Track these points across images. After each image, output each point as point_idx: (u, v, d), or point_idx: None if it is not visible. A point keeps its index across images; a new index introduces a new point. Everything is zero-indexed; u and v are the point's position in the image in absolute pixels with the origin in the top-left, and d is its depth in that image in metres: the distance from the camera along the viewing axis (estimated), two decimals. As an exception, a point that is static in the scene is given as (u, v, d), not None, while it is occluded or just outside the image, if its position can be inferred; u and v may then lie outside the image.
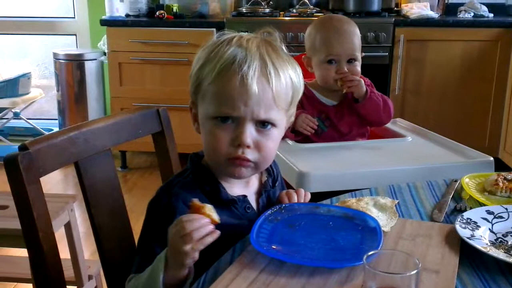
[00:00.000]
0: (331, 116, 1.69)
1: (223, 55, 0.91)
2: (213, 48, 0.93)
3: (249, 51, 0.90)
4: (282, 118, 0.95)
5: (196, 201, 0.84)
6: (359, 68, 1.66)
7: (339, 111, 1.70)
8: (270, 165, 1.05)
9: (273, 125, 0.93)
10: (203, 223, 0.81)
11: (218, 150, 0.92)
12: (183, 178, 0.98)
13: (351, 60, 1.64)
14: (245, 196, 0.99)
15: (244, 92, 0.89)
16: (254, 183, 1.03)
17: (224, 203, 0.96)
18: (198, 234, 0.80)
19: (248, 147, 0.91)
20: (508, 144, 3.24)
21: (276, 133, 0.95)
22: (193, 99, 0.98)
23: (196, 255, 0.81)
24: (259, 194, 1.03)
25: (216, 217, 0.84)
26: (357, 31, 1.66)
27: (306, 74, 1.74)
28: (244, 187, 1.01)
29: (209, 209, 0.84)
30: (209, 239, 0.81)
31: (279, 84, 0.91)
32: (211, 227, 0.82)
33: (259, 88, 0.89)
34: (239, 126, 0.91)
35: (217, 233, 0.82)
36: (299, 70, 0.98)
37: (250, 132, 0.91)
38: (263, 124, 0.92)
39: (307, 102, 1.69)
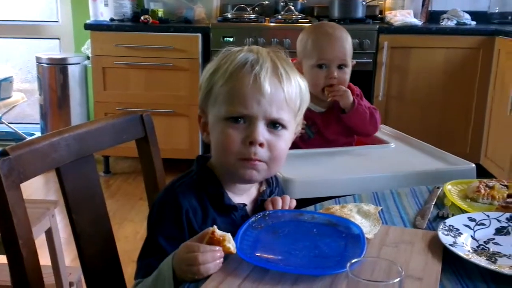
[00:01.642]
0: (317, 123, 1.69)
1: (234, 59, 0.94)
2: (224, 56, 0.97)
3: (260, 55, 0.94)
4: (292, 121, 0.97)
5: (217, 231, 0.84)
6: (347, 76, 1.67)
7: (326, 118, 1.70)
8: (271, 177, 1.06)
9: (283, 126, 0.95)
10: (215, 257, 0.82)
11: (229, 149, 0.93)
12: (188, 178, 1.00)
13: (341, 66, 1.65)
14: (245, 205, 1.01)
15: (257, 90, 0.91)
16: (253, 192, 1.05)
17: (225, 209, 0.98)
18: (205, 269, 0.82)
19: (261, 145, 0.92)
20: (489, 150, 3.28)
21: (287, 135, 0.96)
22: (203, 107, 0.99)
23: (201, 277, 0.83)
24: (255, 202, 1.04)
25: (233, 249, 0.84)
26: (349, 38, 1.68)
27: None
28: (242, 196, 1.02)
29: (228, 240, 0.84)
30: (212, 272, 0.82)
31: (290, 86, 0.94)
32: (219, 262, 0.83)
33: (272, 87, 0.92)
34: (251, 124, 0.92)
35: (220, 266, 0.83)
36: (305, 83, 1.00)
37: (261, 131, 0.92)
38: (274, 125, 0.94)
39: None
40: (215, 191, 0.97)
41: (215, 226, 0.85)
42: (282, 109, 0.93)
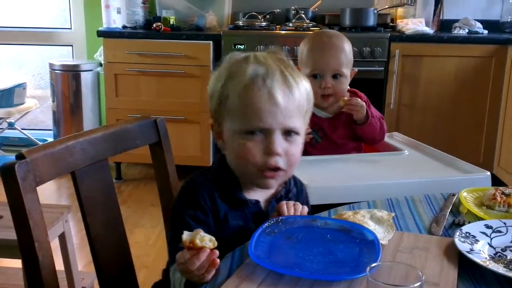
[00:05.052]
0: (324, 128, 1.70)
1: (245, 71, 0.96)
2: (232, 66, 0.99)
3: (269, 66, 0.97)
4: (303, 126, 1.02)
5: (183, 239, 0.82)
6: (344, 86, 1.65)
7: (332, 124, 1.71)
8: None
9: (296, 133, 0.99)
10: (200, 258, 0.82)
11: (250, 161, 0.97)
12: (207, 173, 1.05)
13: (336, 76, 1.63)
14: (257, 201, 1.04)
15: (271, 104, 0.94)
16: (270, 190, 1.07)
17: (237, 202, 1.02)
18: (201, 271, 0.82)
19: (279, 155, 0.96)
20: (502, 160, 3.25)
21: (300, 140, 1.01)
22: (216, 117, 1.02)
23: (209, 277, 0.83)
24: (269, 201, 1.06)
25: (209, 243, 0.83)
26: (347, 46, 1.65)
27: None
28: (259, 193, 1.05)
29: (200, 239, 0.82)
30: (213, 269, 0.83)
31: (299, 94, 0.98)
32: (211, 258, 0.82)
33: (284, 98, 0.95)
34: (269, 136, 0.96)
35: (217, 262, 0.83)
36: (308, 81, 1.04)
37: (279, 141, 0.97)
38: (289, 133, 0.98)
39: None
40: (229, 185, 1.02)
41: (182, 235, 0.83)
42: (295, 117, 0.97)
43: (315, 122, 1.70)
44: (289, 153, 0.98)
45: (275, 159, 0.96)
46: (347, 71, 1.64)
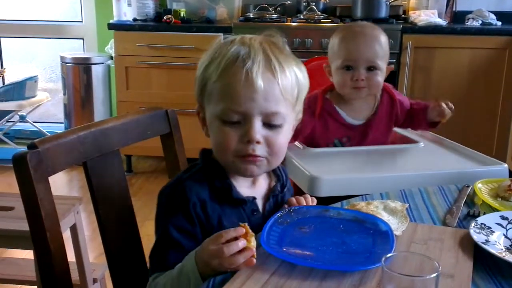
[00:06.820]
0: (353, 138, 1.58)
1: (226, 53, 0.90)
2: (216, 49, 0.93)
3: (252, 47, 0.90)
4: (290, 114, 0.94)
5: (246, 226, 0.83)
6: (380, 78, 1.53)
7: (364, 132, 1.58)
8: (279, 169, 1.03)
9: (281, 120, 0.92)
10: (240, 246, 0.81)
11: (227, 148, 0.91)
12: (194, 171, 0.97)
13: (371, 68, 1.52)
14: (254, 198, 0.98)
15: (249, 87, 0.88)
16: (262, 186, 1.01)
17: (234, 202, 0.95)
18: (234, 260, 0.81)
19: (258, 142, 0.90)
20: (515, 152, 3.22)
21: (286, 128, 0.93)
22: (200, 102, 0.97)
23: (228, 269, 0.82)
24: (266, 198, 1.00)
25: (253, 245, 0.82)
26: (382, 37, 1.54)
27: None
28: (251, 189, 0.99)
29: (253, 238, 0.83)
30: (242, 266, 0.81)
31: (284, 78, 0.90)
32: (248, 254, 0.81)
33: (265, 82, 0.88)
34: (247, 122, 0.89)
35: (253, 262, 0.82)
36: (303, 68, 0.96)
37: (258, 128, 0.90)
38: (271, 120, 0.91)
39: (331, 121, 1.57)
40: (222, 184, 0.95)
41: (245, 224, 0.84)
42: (278, 103, 0.90)
43: (345, 132, 1.57)
44: (271, 142, 0.91)
45: (252, 147, 0.89)
46: (383, 64, 1.52)
